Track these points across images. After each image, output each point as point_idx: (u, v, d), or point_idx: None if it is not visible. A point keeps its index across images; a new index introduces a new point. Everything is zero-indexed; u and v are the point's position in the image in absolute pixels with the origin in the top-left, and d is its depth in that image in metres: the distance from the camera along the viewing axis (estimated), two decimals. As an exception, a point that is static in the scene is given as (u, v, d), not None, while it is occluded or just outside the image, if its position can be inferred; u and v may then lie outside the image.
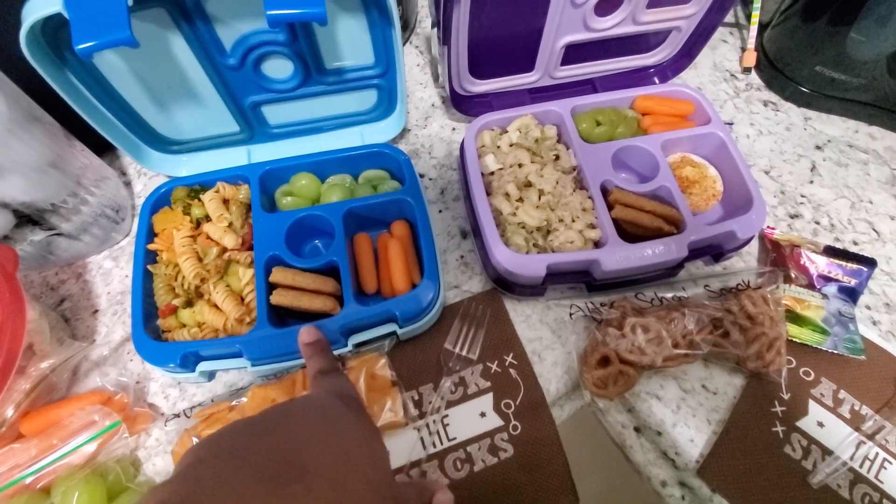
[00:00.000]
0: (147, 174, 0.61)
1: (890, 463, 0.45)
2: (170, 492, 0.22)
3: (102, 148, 0.58)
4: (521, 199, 0.52)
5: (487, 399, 0.48)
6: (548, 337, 0.51)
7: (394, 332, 0.48)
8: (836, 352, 0.48)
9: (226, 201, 0.52)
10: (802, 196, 0.58)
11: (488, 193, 0.52)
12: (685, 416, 0.47)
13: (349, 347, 0.47)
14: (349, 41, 0.48)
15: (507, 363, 0.49)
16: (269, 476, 0.23)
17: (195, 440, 0.43)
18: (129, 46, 0.38)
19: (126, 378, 0.48)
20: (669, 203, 0.50)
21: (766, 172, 0.60)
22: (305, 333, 0.40)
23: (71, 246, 0.54)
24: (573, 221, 0.50)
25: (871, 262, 0.51)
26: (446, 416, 0.47)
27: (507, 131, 0.55)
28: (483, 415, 0.47)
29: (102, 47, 0.37)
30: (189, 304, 0.47)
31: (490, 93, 0.59)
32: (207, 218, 0.51)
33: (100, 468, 0.43)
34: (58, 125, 0.50)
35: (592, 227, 0.50)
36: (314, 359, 0.38)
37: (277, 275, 0.46)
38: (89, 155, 0.55)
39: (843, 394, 0.47)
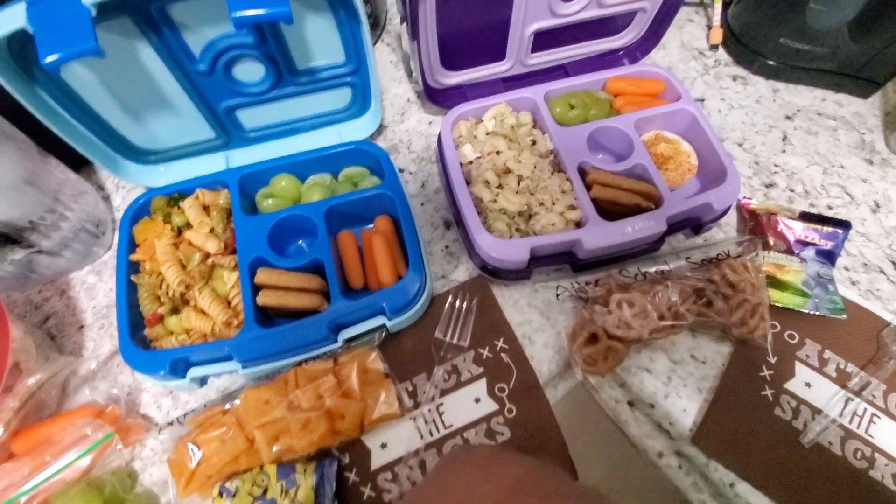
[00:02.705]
0: (125, 187, 0.61)
1: (878, 417, 0.46)
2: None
3: (79, 163, 0.58)
4: (500, 186, 0.52)
5: (481, 385, 0.48)
6: (537, 319, 0.51)
7: (383, 326, 0.48)
8: (817, 313, 0.49)
9: (206, 207, 0.52)
10: (776, 165, 0.59)
11: (468, 182, 0.52)
12: (676, 386, 0.48)
13: (339, 343, 0.47)
14: (318, 40, 0.49)
15: (498, 348, 0.50)
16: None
17: (191, 447, 0.43)
18: (96, 56, 0.38)
19: (117, 390, 0.47)
20: (646, 180, 0.51)
21: (740, 145, 0.61)
22: None
23: (52, 263, 0.53)
24: (553, 204, 0.51)
25: (845, 225, 0.52)
26: (441, 404, 0.47)
27: (482, 120, 0.56)
28: (478, 400, 0.48)
29: (69, 59, 0.37)
30: (175, 311, 0.47)
31: (464, 84, 0.60)
32: (188, 225, 0.51)
33: (95, 482, 0.43)
34: (31, 142, 0.50)
35: (573, 208, 0.50)
36: None
37: (262, 276, 0.46)
38: (65, 170, 0.54)
39: (827, 353, 0.48)
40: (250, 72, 0.49)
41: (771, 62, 0.64)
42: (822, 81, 0.64)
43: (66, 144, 0.48)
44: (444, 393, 0.48)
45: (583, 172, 0.52)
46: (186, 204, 0.51)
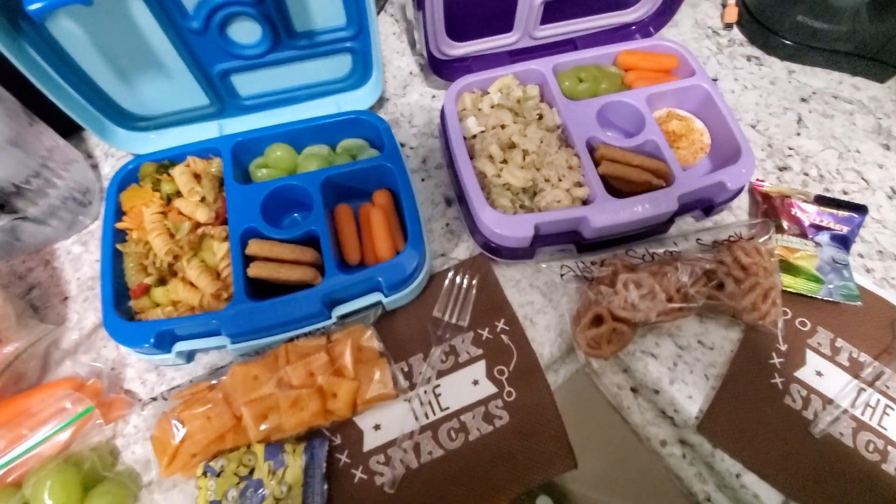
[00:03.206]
0: (115, 156, 0.59)
1: (892, 409, 0.44)
2: None
3: (68, 130, 0.56)
4: (505, 161, 0.50)
5: (480, 366, 0.46)
6: (539, 301, 0.49)
7: (379, 303, 0.46)
8: (831, 300, 0.47)
9: (197, 176, 0.50)
10: (790, 148, 0.57)
11: (471, 157, 0.50)
12: (682, 372, 0.46)
13: (333, 320, 0.45)
14: (319, 1, 0.46)
15: (498, 329, 0.48)
16: None
17: (175, 423, 0.41)
18: (83, 5, 0.36)
19: (100, 364, 0.45)
20: (657, 157, 0.49)
21: (753, 126, 0.59)
22: None
23: (38, 231, 0.51)
24: (559, 180, 0.48)
25: (862, 209, 0.50)
26: (438, 385, 0.46)
27: (487, 93, 0.54)
28: (476, 383, 0.46)
29: (54, 6, 0.35)
30: (162, 282, 0.45)
31: (469, 56, 0.57)
32: (178, 194, 0.49)
33: (74, 457, 0.41)
34: (17, 102, 0.48)
35: (579, 185, 0.48)
36: None
37: (254, 247, 0.44)
38: (54, 137, 0.52)
39: (840, 342, 0.47)
40: (246, 32, 0.47)
41: (787, 41, 0.62)
42: (838, 63, 0.62)
43: (54, 110, 0.47)
44: (441, 374, 0.46)
45: (591, 149, 0.50)
46: (177, 171, 0.48)
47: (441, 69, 0.57)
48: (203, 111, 0.53)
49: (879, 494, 0.41)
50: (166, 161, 0.50)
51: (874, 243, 0.52)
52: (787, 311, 0.48)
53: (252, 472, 0.40)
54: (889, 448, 0.43)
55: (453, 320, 0.47)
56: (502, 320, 0.48)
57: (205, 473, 0.40)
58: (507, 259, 0.49)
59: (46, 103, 0.46)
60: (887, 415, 0.44)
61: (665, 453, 0.46)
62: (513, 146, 0.50)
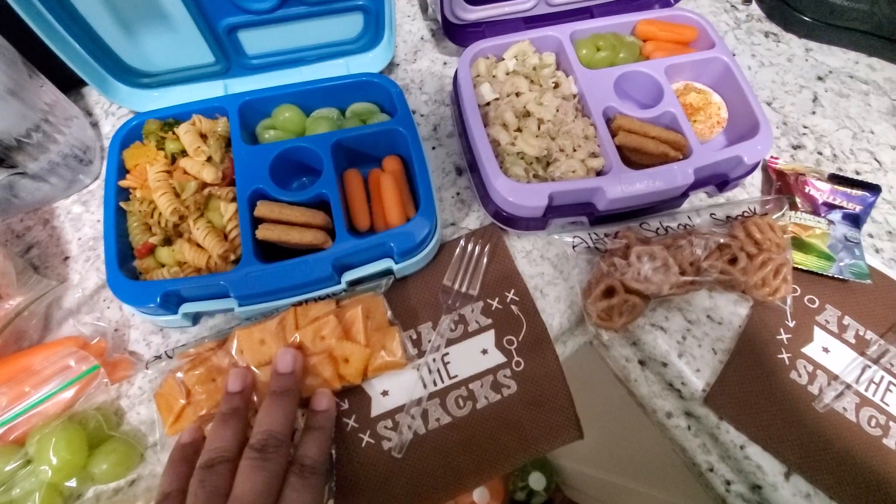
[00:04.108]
0: (116, 114, 0.57)
1: (895, 385, 0.45)
2: None
3: (67, 86, 0.54)
4: (519, 129, 0.49)
5: (489, 336, 0.46)
6: (549, 272, 0.49)
7: (390, 271, 0.45)
8: (841, 277, 0.47)
9: (203, 136, 0.48)
10: (805, 127, 0.57)
11: (485, 125, 0.49)
12: (691, 346, 0.46)
13: (343, 285, 0.44)
14: (332, -46, 0.44)
15: (508, 300, 0.47)
16: None
17: (181, 381, 0.40)
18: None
19: (104, 324, 0.45)
20: (675, 129, 0.48)
21: (769, 104, 0.58)
22: (322, 398, 0.39)
23: (37, 188, 0.50)
24: (575, 151, 0.48)
25: (875, 189, 0.50)
26: (447, 353, 0.45)
27: (503, 59, 0.52)
28: (485, 352, 0.45)
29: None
30: (167, 241, 0.44)
31: (483, 21, 0.56)
32: (183, 153, 0.47)
33: (78, 416, 0.40)
34: (16, 53, 0.46)
35: (595, 155, 0.48)
36: (310, 438, 0.37)
37: (263, 208, 0.43)
38: (55, 91, 0.50)
39: (847, 320, 0.47)
40: (255, -15, 0.45)
41: (806, 18, 0.61)
42: (856, 43, 0.61)
43: (55, 64, 0.45)
44: (450, 343, 0.46)
45: (607, 120, 0.49)
46: (182, 129, 0.47)
47: (454, 34, 0.56)
48: (208, 69, 0.51)
49: (880, 468, 0.42)
50: (171, 119, 0.48)
51: (884, 224, 0.52)
52: (796, 288, 0.48)
53: (260, 434, 0.40)
54: (891, 423, 0.43)
55: (463, 289, 0.47)
56: (512, 290, 0.48)
57: (212, 434, 0.39)
58: (518, 229, 0.49)
59: (47, 56, 0.44)
60: (890, 391, 0.44)
61: (671, 425, 0.46)
62: (528, 114, 0.49)
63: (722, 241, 0.45)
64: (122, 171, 0.47)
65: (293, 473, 0.34)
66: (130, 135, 0.48)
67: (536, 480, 1.14)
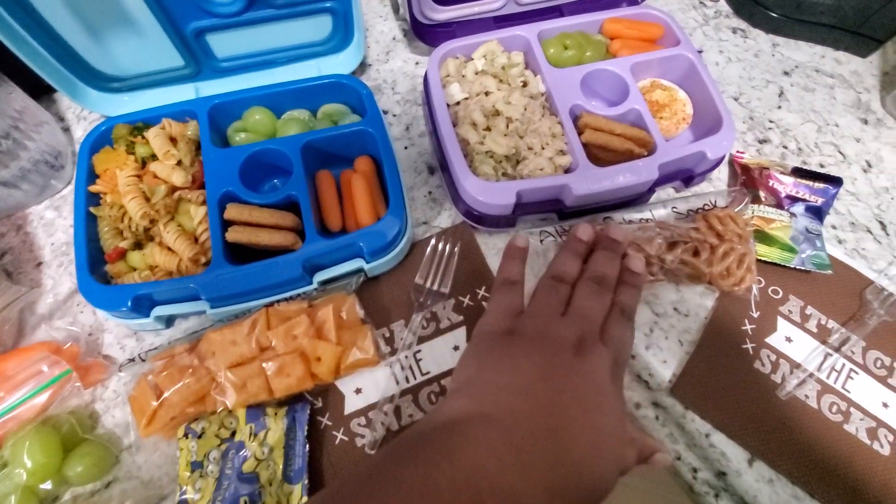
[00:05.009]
0: (87, 119, 0.57)
1: (856, 373, 0.46)
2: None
3: (37, 92, 0.53)
4: (488, 128, 0.50)
5: (461, 333, 0.47)
6: (520, 269, 0.50)
7: (361, 269, 0.46)
8: (803, 268, 0.48)
9: (173, 140, 0.48)
10: (771, 121, 0.58)
11: (454, 124, 0.49)
12: (658, 338, 0.47)
13: (314, 285, 0.45)
14: (297, -43, 0.45)
15: (479, 297, 0.48)
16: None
17: (154, 384, 0.40)
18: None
19: (77, 328, 0.45)
20: (640, 126, 0.49)
21: (736, 99, 0.59)
22: (520, 239, 0.42)
23: (9, 195, 0.50)
24: (543, 149, 0.48)
25: (837, 181, 0.51)
26: (419, 350, 0.46)
27: (472, 59, 0.53)
28: (457, 348, 0.46)
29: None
30: (138, 246, 0.44)
31: (454, 21, 0.56)
32: (153, 157, 0.47)
33: (52, 420, 0.41)
34: (-21, 59, 0.46)
35: (562, 153, 0.48)
36: (509, 263, 0.41)
37: (232, 211, 0.43)
38: (24, 97, 0.50)
39: (809, 309, 0.48)
40: (221, -11, 0.45)
41: (773, 14, 0.62)
42: (822, 37, 0.62)
43: (23, 70, 0.45)
44: (422, 340, 0.46)
45: (574, 118, 0.50)
46: (151, 133, 0.47)
47: (424, 34, 0.56)
48: (178, 73, 0.52)
49: (841, 453, 0.43)
50: (140, 123, 0.48)
51: (847, 215, 0.53)
52: (761, 279, 0.49)
53: (234, 434, 0.41)
54: (851, 409, 0.44)
55: (435, 287, 0.48)
56: (484, 288, 0.48)
57: (186, 435, 0.40)
58: (489, 227, 0.50)
59: (14, 63, 0.44)
60: (851, 378, 0.46)
61: (639, 415, 0.47)
62: (497, 113, 0.50)
63: (683, 234, 0.46)
64: (93, 177, 0.47)
65: (615, 311, 0.38)
66: (100, 140, 0.48)
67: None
